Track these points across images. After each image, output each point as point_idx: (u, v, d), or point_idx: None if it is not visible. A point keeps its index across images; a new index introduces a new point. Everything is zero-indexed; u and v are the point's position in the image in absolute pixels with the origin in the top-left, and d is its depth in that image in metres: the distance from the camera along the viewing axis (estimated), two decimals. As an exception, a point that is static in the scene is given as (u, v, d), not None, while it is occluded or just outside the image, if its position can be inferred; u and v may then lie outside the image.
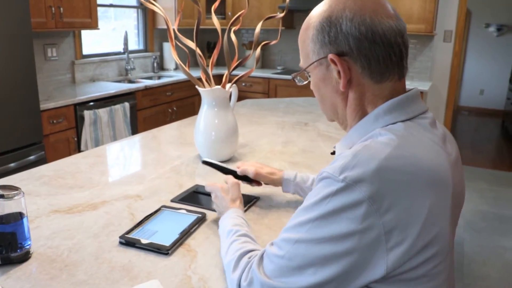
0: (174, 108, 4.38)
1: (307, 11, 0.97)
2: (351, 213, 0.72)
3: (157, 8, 1.64)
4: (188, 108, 4.65)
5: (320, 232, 0.75)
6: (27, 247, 1.05)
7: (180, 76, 4.60)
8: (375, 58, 0.82)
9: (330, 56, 0.84)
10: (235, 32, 1.73)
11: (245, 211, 1.34)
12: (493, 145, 6.03)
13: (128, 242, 1.11)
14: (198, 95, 4.80)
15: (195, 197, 1.45)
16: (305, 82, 0.98)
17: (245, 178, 1.41)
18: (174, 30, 1.70)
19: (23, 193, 1.03)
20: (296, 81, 0.99)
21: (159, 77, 4.68)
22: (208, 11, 5.13)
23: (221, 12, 5.24)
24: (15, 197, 1.02)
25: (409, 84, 4.44)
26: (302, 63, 0.94)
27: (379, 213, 0.71)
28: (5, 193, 1.00)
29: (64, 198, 1.40)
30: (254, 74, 5.01)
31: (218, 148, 1.78)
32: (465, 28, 4.83)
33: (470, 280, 2.76)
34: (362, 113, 0.87)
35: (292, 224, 0.80)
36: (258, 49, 1.75)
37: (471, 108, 7.86)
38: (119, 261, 1.05)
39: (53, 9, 3.27)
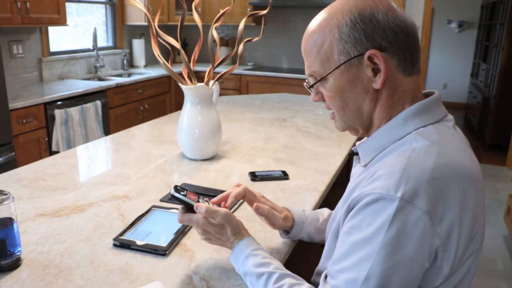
0: (146, 106, 4.30)
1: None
2: (415, 232, 0.71)
3: (139, 5, 1.61)
4: (160, 105, 4.58)
5: (389, 261, 0.71)
6: (18, 253, 1.01)
7: (150, 73, 4.52)
8: (409, 51, 0.82)
9: (371, 52, 0.80)
10: (206, 28, 1.71)
11: (234, 210, 1.34)
12: (457, 137, 6.22)
13: (122, 244, 1.09)
14: (168, 92, 4.74)
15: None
16: (312, 93, 0.92)
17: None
18: (155, 27, 1.66)
19: (13, 198, 0.99)
20: (312, 91, 0.92)
21: (129, 75, 4.59)
22: (177, 7, 5.06)
23: (189, 8, 5.17)
24: (5, 202, 0.98)
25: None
26: (318, 69, 0.87)
27: (435, 224, 0.71)
28: (-6, 197, 0.96)
29: (48, 201, 1.35)
30: (225, 71, 4.98)
31: (202, 145, 1.76)
32: (429, 24, 4.95)
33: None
34: (391, 112, 0.85)
35: (351, 262, 0.74)
36: (241, 46, 1.74)
37: (435, 102, 8.07)
38: (115, 264, 1.02)
39: (19, 4, 3.15)
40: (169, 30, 5.45)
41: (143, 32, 5.06)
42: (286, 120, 2.52)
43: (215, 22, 1.69)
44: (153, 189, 1.47)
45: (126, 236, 1.12)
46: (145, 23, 4.65)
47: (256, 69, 5.10)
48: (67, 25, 3.64)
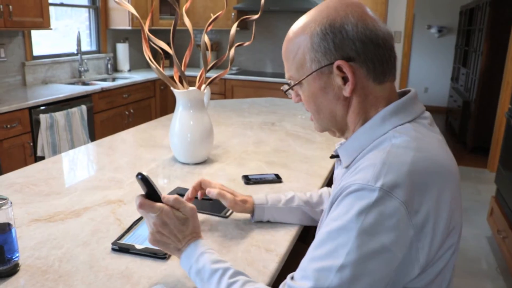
0: (131, 111, 4.28)
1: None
2: (391, 221, 0.72)
3: (131, 9, 1.60)
4: (145, 110, 4.56)
5: (365, 249, 0.72)
6: (16, 259, 1.00)
7: (135, 78, 4.50)
8: (379, 61, 0.85)
9: (338, 62, 0.84)
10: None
11: (230, 214, 1.34)
12: (439, 140, 6.33)
13: (121, 248, 1.09)
14: (153, 97, 4.72)
15: (179, 200, 1.43)
16: (291, 95, 0.97)
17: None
18: (147, 33, 1.66)
19: (11, 203, 0.98)
20: (289, 95, 0.98)
21: (113, 79, 4.56)
22: (161, 12, 5.04)
23: (172, 12, 5.17)
24: (3, 207, 0.97)
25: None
26: (294, 75, 0.92)
27: (411, 215, 0.73)
28: (-8, 203, 0.95)
29: (42, 206, 1.34)
30: (209, 75, 4.98)
31: (194, 149, 1.77)
32: (411, 29, 5.04)
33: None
34: (365, 116, 0.89)
35: (326, 250, 0.75)
36: (233, 50, 1.75)
37: (416, 105, 8.20)
38: (115, 268, 1.02)
39: (1, 7, 3.10)
40: (154, 34, 5.43)
41: (127, 36, 5.03)
42: (275, 124, 2.54)
43: (208, 26, 1.70)
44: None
45: (125, 240, 1.12)
46: (129, 27, 4.62)
47: (241, 74, 5.12)
48: (51, 28, 3.60)
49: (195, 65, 5.49)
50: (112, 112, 4.01)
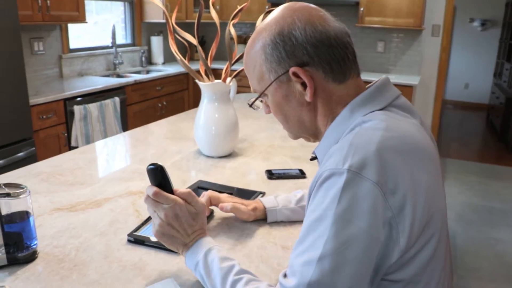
0: (164, 103, 4.32)
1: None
2: (365, 203, 0.69)
3: (157, 2, 1.60)
4: (178, 102, 4.60)
5: (341, 237, 0.69)
6: (34, 246, 1.02)
7: (169, 70, 4.54)
8: (335, 61, 0.83)
9: (292, 69, 0.83)
10: (223, 25, 1.70)
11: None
12: (478, 138, 6.12)
13: (136, 240, 1.09)
14: (187, 89, 4.76)
15: (200, 192, 1.42)
16: (261, 108, 0.96)
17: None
18: (173, 24, 1.66)
19: (29, 191, 1.00)
20: (254, 108, 0.98)
21: (147, 72, 4.62)
22: (195, 5, 5.07)
23: (207, 5, 5.18)
24: (21, 196, 0.98)
25: (398, 78, 4.46)
26: (256, 87, 0.91)
27: (386, 196, 0.70)
28: (11, 191, 0.97)
29: (65, 196, 1.36)
30: (242, 67, 4.97)
31: (218, 143, 1.76)
32: (451, 23, 4.86)
33: (464, 272, 2.80)
34: (332, 115, 0.86)
35: (307, 244, 0.72)
36: (259, 43, 1.72)
37: (456, 102, 7.95)
38: (129, 260, 1.02)
39: (39, 2, 3.19)
40: (187, 27, 5.46)
41: (161, 29, 5.09)
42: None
43: (233, 19, 1.68)
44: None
45: (141, 232, 1.12)
46: (163, 21, 4.67)
47: (274, 67, 5.07)
48: (86, 22, 3.68)
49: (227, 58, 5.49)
50: (145, 104, 4.07)
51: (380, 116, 0.80)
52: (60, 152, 3.11)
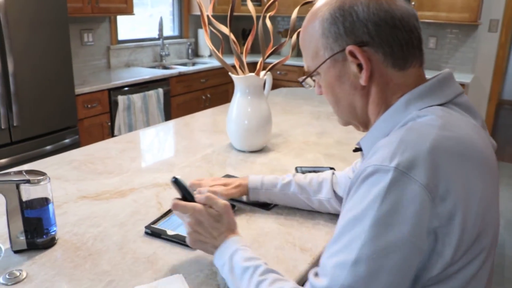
0: (208, 95, 4.35)
1: None
2: (411, 208, 0.63)
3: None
4: (222, 95, 4.62)
5: (380, 242, 0.63)
6: (53, 233, 1.03)
7: (214, 63, 4.56)
8: (397, 44, 0.76)
9: (350, 48, 0.77)
10: (270, 18, 1.67)
11: (274, 206, 1.28)
12: (538, 142, 5.74)
13: (153, 232, 1.08)
14: (231, 82, 4.74)
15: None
16: (313, 87, 0.91)
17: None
18: (208, 15, 1.64)
19: (49, 179, 1.01)
20: (305, 86, 0.92)
21: (193, 64, 4.66)
22: (244, -2, 5.05)
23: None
24: (41, 183, 0.99)
25: (451, 76, 4.25)
26: (310, 64, 0.86)
27: (435, 202, 0.63)
28: (31, 178, 0.98)
29: (93, 184, 1.38)
30: (289, 62, 4.92)
31: (251, 137, 1.73)
32: (512, 18, 4.58)
33: (511, 284, 2.63)
34: (386, 106, 0.80)
35: (341, 244, 0.67)
36: (294, 36, 1.68)
37: (515, 102, 7.51)
38: (143, 253, 1.01)
39: (89, -6, 3.28)
40: (235, 20, 5.46)
41: (211, 22, 5.11)
42: (344, 115, 2.42)
43: (266, 11, 1.64)
44: (195, 178, 1.45)
45: (159, 225, 1.11)
46: (212, 13, 4.69)
47: (321, 62, 4.98)
48: (133, 14, 3.74)
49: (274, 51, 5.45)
50: (189, 96, 4.11)
51: (437, 112, 0.72)
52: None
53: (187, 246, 1.03)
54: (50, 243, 1.03)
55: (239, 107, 1.71)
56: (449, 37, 4.67)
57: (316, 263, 1.03)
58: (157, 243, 1.05)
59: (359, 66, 0.77)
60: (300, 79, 0.91)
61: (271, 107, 1.80)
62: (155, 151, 1.78)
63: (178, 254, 1.01)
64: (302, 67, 4.87)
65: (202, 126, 2.16)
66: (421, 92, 0.77)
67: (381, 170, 0.65)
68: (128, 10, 3.66)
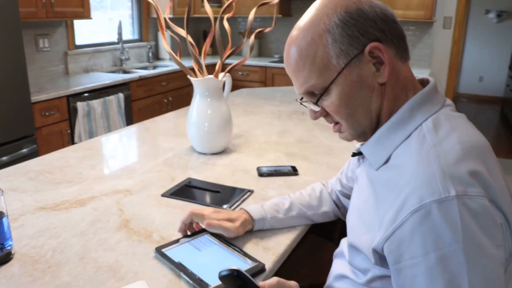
0: (170, 99, 4.31)
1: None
2: (485, 219, 0.67)
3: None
4: (184, 98, 4.58)
5: (480, 264, 0.66)
6: (9, 247, 1.00)
7: (175, 66, 4.52)
8: (399, 37, 0.80)
9: (373, 45, 0.76)
10: (229, 20, 1.67)
11: (237, 206, 1.29)
12: (492, 132, 5.98)
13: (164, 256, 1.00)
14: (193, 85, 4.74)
15: (188, 191, 1.40)
16: (318, 109, 0.84)
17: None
18: (165, 18, 1.63)
19: (2, 191, 0.98)
20: (311, 106, 0.85)
21: (154, 67, 4.61)
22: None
23: (216, 0, 5.15)
24: (-5, 196, 0.96)
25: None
26: (317, 82, 0.80)
27: (491, 204, 0.69)
28: (-17, 191, 0.95)
29: (51, 194, 1.35)
30: (251, 63, 4.94)
31: (211, 139, 1.73)
32: (464, 15, 4.75)
33: None
34: (396, 103, 0.81)
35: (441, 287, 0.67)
36: (252, 37, 1.69)
37: (470, 95, 7.78)
38: (105, 261, 1.00)
39: (43, -2, 3.19)
40: (196, 22, 5.43)
41: (168, 24, 5.06)
42: (305, 114, 2.45)
43: (224, 12, 1.64)
44: (156, 183, 1.44)
45: (168, 251, 1.01)
46: (171, 16, 4.65)
47: (282, 62, 5.02)
48: (91, 18, 3.67)
49: (233, 53, 5.46)
50: (150, 100, 4.06)
51: (444, 124, 0.76)
52: (63, 148, 3.12)
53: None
54: (6, 258, 1.00)
55: (199, 110, 1.71)
56: (406, 34, 4.79)
57: (279, 263, 1.04)
58: (118, 251, 1.04)
59: (375, 65, 0.78)
60: (310, 103, 0.85)
61: (232, 108, 1.80)
62: (116, 158, 1.75)
63: (140, 260, 1.00)
64: (263, 67, 4.90)
65: (163, 130, 2.14)
66: (421, 99, 0.80)
67: (444, 201, 0.66)
68: (85, 14, 3.58)
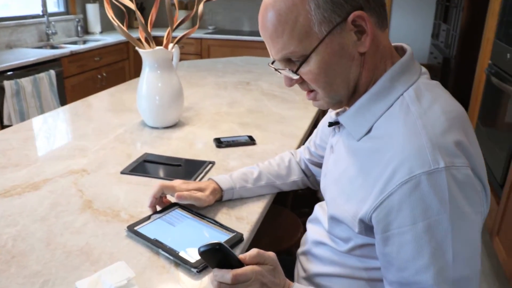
0: (104, 74, 4.11)
1: None
2: (469, 188, 0.70)
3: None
4: (119, 73, 4.40)
5: (463, 230, 0.70)
6: (-36, 238, 0.92)
7: (107, 40, 4.30)
8: (382, 4, 0.78)
9: (357, 13, 0.73)
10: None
11: (202, 178, 1.28)
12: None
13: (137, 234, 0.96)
14: (127, 59, 4.55)
15: (147, 166, 1.36)
16: (296, 77, 0.81)
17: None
18: (106, -14, 1.53)
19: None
20: (289, 74, 0.81)
21: (84, 42, 4.36)
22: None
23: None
24: None
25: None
26: (296, 49, 0.77)
27: (473, 173, 0.72)
28: None
29: (-2, 180, 1.25)
30: (185, 33, 4.80)
31: (163, 112, 1.68)
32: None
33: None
34: (375, 73, 0.81)
35: (428, 255, 0.69)
36: (201, 6, 1.63)
37: (397, 61, 8.13)
38: (75, 245, 0.95)
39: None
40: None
41: (97, -5, 4.79)
42: (250, 84, 2.44)
43: (171, -20, 1.57)
44: (112, 161, 1.38)
45: (141, 229, 0.98)
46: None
47: (217, 33, 4.95)
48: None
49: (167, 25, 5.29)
50: (84, 77, 3.85)
51: (425, 94, 0.77)
52: (-8, 131, 2.89)
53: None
54: (-38, 249, 0.92)
55: (149, 83, 1.64)
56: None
57: (254, 231, 1.05)
58: (87, 233, 0.99)
59: (356, 34, 0.76)
60: (290, 71, 0.81)
61: (179, 81, 1.75)
62: (63, 137, 1.65)
63: (112, 240, 0.96)
64: (198, 39, 4.79)
65: (107, 106, 2.04)
66: (400, 69, 0.79)
67: (434, 172, 0.68)
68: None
